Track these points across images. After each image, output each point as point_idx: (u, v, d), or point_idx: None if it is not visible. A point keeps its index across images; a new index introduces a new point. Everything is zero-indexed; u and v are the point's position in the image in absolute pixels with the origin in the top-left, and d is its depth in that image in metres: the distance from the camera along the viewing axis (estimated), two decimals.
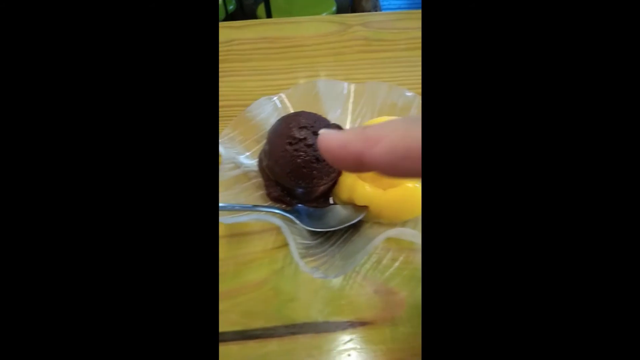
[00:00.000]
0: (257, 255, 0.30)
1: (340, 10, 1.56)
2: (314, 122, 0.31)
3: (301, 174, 0.30)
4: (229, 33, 0.59)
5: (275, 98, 0.37)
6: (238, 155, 0.33)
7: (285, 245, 0.31)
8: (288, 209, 0.31)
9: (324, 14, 1.40)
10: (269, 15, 1.26)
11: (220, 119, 0.45)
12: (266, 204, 0.31)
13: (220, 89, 0.49)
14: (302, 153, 0.29)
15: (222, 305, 0.27)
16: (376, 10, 1.96)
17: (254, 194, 0.32)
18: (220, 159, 0.31)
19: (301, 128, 0.30)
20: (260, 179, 0.33)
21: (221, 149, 0.31)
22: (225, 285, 0.28)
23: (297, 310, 0.27)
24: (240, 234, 0.32)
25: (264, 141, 0.33)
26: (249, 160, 0.34)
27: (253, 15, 1.54)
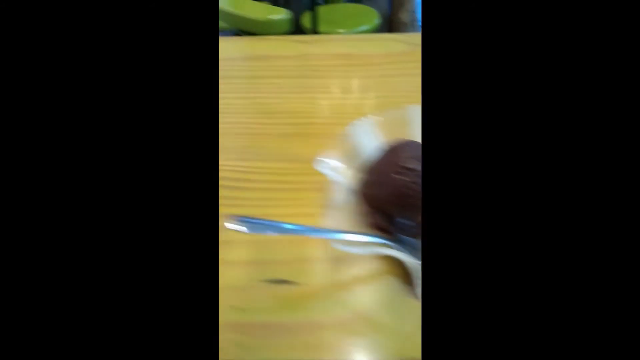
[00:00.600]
0: (362, 282, 0.30)
1: None
2: (420, 152, 0.31)
3: (408, 203, 0.30)
4: (301, 48, 0.59)
5: (368, 121, 0.37)
6: (341, 179, 0.33)
7: (384, 274, 0.31)
8: (392, 238, 0.31)
9: (364, 27, 1.40)
10: (314, 24, 1.27)
11: (296, 136, 0.46)
12: (367, 232, 0.31)
13: (294, 106, 0.50)
14: (410, 183, 0.29)
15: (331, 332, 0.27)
16: (414, 22, 1.95)
17: (354, 220, 0.32)
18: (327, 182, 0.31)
19: (410, 158, 0.30)
20: (359, 206, 0.33)
21: (329, 173, 0.31)
22: (333, 312, 0.28)
23: (407, 345, 0.27)
24: (339, 258, 0.32)
25: (363, 166, 0.34)
26: (348, 186, 0.34)
27: (297, 24, 1.56)
